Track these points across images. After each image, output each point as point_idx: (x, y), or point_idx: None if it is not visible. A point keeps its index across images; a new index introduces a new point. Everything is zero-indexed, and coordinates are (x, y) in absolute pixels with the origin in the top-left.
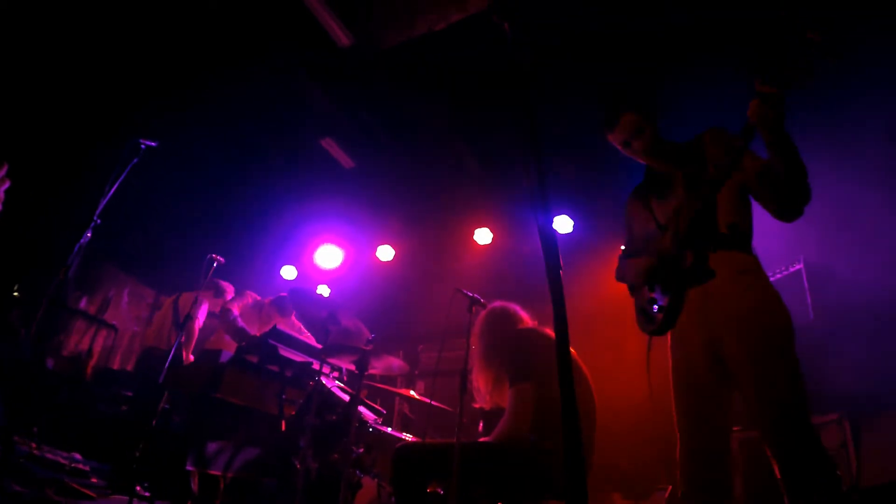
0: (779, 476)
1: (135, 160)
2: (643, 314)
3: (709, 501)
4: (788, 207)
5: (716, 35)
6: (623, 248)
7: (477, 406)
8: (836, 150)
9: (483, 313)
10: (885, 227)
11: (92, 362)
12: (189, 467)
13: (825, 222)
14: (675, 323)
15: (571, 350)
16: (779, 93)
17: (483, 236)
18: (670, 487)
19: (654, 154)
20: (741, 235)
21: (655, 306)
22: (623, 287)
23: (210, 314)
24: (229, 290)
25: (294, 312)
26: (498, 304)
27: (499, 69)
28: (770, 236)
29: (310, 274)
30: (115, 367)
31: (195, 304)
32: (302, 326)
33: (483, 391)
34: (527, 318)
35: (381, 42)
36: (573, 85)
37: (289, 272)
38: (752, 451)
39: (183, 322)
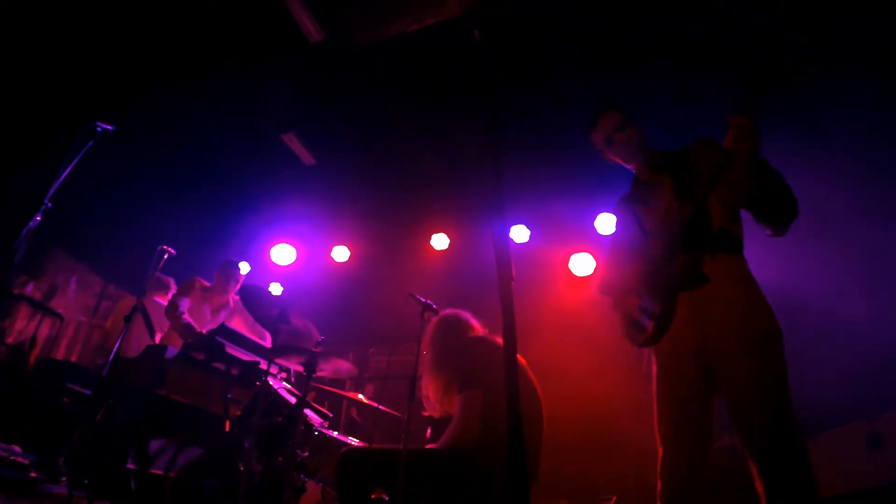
0: (758, 482)
1: (90, 143)
2: (633, 325)
3: None
4: (773, 226)
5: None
6: (607, 258)
7: (426, 414)
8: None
9: (434, 321)
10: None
11: (35, 351)
12: (130, 465)
13: (782, 246)
14: (667, 331)
15: (520, 359)
16: (752, 124)
17: (440, 242)
18: (615, 498)
19: (639, 147)
20: (734, 241)
21: (647, 315)
22: (574, 298)
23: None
24: (171, 284)
25: (231, 282)
26: (449, 311)
27: (466, 76)
28: None
29: (262, 271)
30: (60, 356)
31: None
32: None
33: (433, 399)
34: (478, 327)
35: (353, 40)
36: (538, 95)
37: (242, 268)
38: (721, 462)
39: (129, 315)
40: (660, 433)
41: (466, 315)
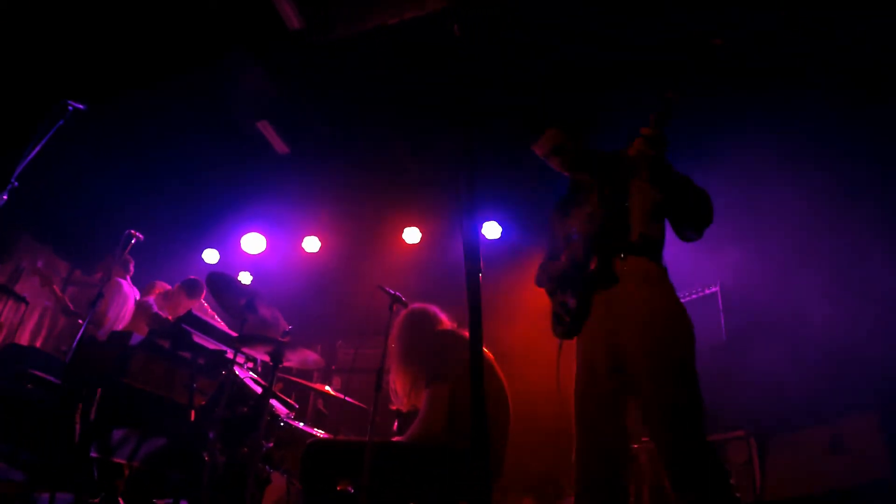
0: (668, 484)
1: (60, 122)
2: (555, 317)
3: (602, 501)
4: (683, 230)
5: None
6: (545, 256)
7: (394, 407)
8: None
9: (402, 314)
10: (799, 257)
11: None
12: (93, 454)
13: (746, 250)
14: (581, 327)
15: (488, 354)
16: (657, 133)
17: (412, 235)
18: None
19: (571, 170)
20: (651, 244)
21: (565, 310)
22: (540, 293)
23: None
24: (130, 265)
25: (204, 295)
26: (418, 305)
27: (444, 71)
28: (691, 259)
29: (232, 259)
30: (24, 342)
31: (105, 280)
32: (215, 314)
33: (400, 393)
34: (446, 320)
35: (333, 30)
36: (510, 92)
37: (211, 255)
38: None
39: (94, 300)
40: (574, 427)
41: (434, 309)
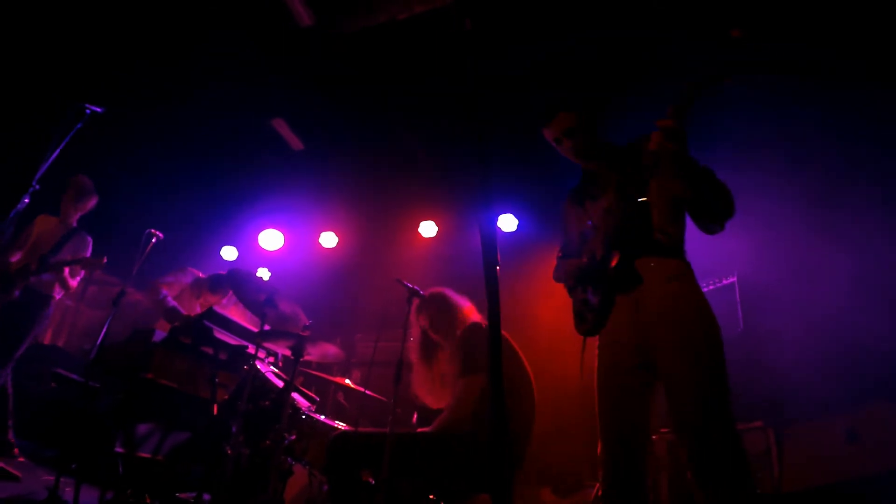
0: (693, 481)
1: (78, 125)
2: (577, 314)
3: (628, 499)
4: (706, 224)
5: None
6: (560, 249)
7: (420, 402)
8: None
9: (432, 294)
10: (817, 248)
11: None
12: (118, 449)
13: (763, 240)
14: (605, 324)
15: (513, 343)
16: (677, 126)
17: (428, 229)
18: (598, 485)
19: (583, 155)
20: (672, 241)
21: (587, 307)
22: (560, 287)
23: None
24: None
25: (229, 292)
26: (448, 290)
27: (455, 64)
28: (707, 250)
29: (250, 256)
30: (47, 342)
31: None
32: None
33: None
34: (466, 306)
35: (343, 26)
36: (524, 84)
37: (229, 253)
38: (676, 454)
39: (116, 298)
40: (599, 425)
41: (463, 298)
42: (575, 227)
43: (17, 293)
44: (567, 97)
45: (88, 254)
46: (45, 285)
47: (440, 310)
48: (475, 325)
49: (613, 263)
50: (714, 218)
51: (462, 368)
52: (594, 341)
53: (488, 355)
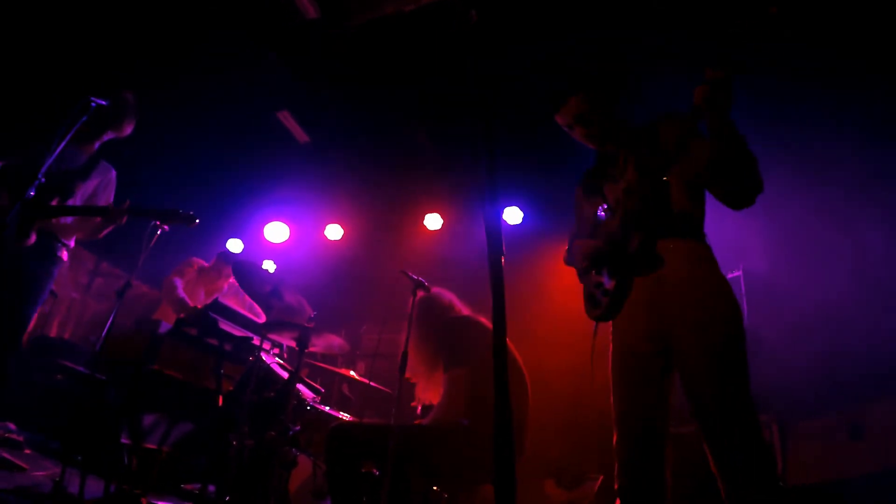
0: (715, 470)
1: (84, 118)
2: (590, 299)
3: (645, 493)
4: (737, 194)
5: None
6: (573, 231)
7: (415, 404)
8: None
9: (415, 302)
10: (825, 242)
11: (28, 329)
12: (123, 440)
13: (769, 234)
14: (621, 309)
15: (507, 342)
16: (727, 77)
17: (433, 221)
18: (602, 477)
19: (598, 141)
20: (693, 223)
21: (602, 291)
22: (565, 278)
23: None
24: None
25: (230, 277)
26: (424, 294)
27: (462, 56)
28: (713, 242)
29: (255, 248)
30: (53, 334)
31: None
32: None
33: (420, 374)
34: (458, 305)
35: (350, 18)
36: (533, 72)
37: (234, 245)
38: (681, 450)
39: (122, 290)
40: (615, 413)
41: (443, 294)
42: (589, 209)
43: (33, 237)
44: (579, 77)
45: (112, 197)
46: (63, 229)
47: (426, 307)
48: (458, 319)
49: (634, 246)
50: (740, 186)
51: (446, 362)
52: (605, 327)
53: (475, 348)
